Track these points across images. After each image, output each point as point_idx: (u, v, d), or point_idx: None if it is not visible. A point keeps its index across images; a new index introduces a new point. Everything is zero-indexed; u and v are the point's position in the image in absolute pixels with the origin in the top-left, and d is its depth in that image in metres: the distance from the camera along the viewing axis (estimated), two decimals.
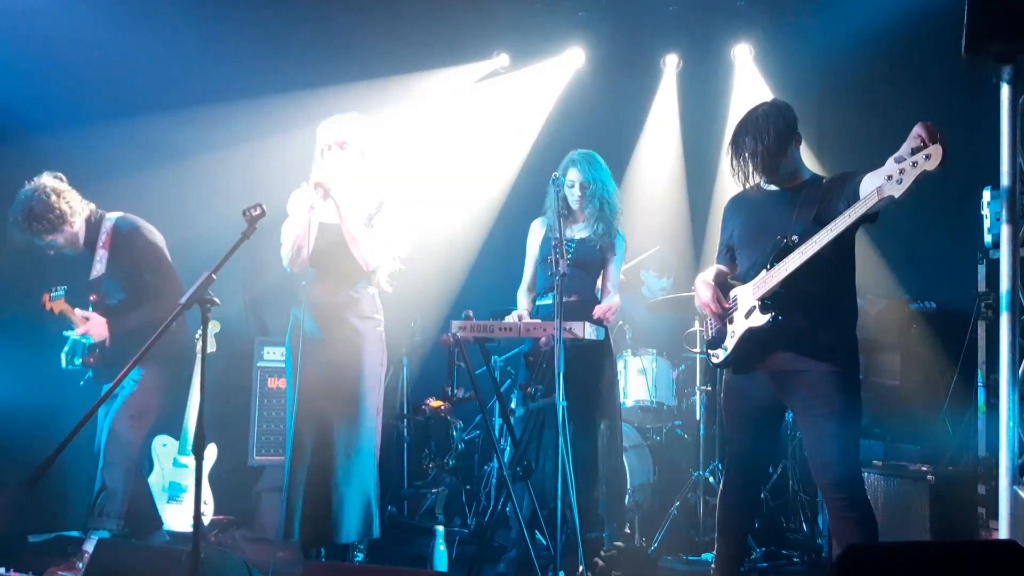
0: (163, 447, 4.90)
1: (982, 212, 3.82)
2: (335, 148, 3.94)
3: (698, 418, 5.45)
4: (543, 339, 4.14)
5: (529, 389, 4.15)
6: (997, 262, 3.44)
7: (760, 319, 3.43)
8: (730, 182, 3.68)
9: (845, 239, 3.30)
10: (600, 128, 6.44)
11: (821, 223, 3.29)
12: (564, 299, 3.86)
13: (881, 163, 3.12)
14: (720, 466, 5.23)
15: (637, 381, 5.54)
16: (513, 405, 4.95)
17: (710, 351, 3.73)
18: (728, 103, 6.34)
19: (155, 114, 5.62)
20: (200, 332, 3.23)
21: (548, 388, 4.01)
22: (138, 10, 5.47)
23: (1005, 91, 3.38)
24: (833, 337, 3.39)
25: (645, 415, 5.64)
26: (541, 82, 6.69)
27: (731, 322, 3.59)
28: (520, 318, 4.41)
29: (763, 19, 6.18)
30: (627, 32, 6.43)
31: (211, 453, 4.90)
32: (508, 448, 4.60)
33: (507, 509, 4.27)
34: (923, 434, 4.71)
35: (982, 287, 4.49)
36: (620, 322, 5.65)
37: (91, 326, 4.43)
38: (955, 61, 3.32)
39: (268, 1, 5.99)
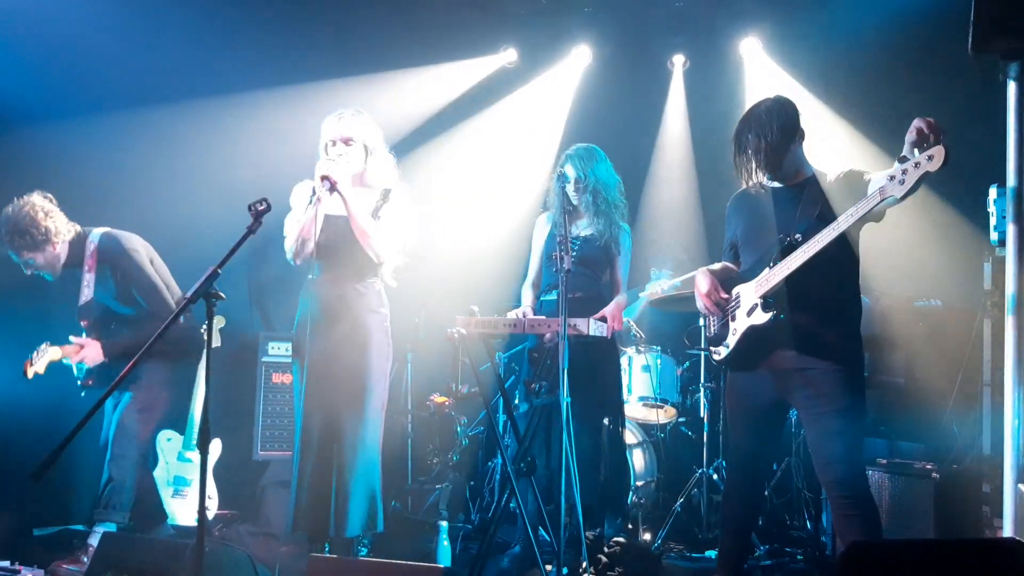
0: (168, 441, 4.91)
1: (988, 209, 3.81)
2: (340, 143, 3.94)
3: (702, 415, 5.46)
4: (547, 335, 4.14)
5: (533, 385, 4.15)
6: (1003, 260, 3.43)
7: (762, 317, 3.43)
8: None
9: (849, 237, 3.30)
10: (608, 124, 6.44)
11: (824, 221, 3.28)
12: (568, 295, 3.86)
13: (887, 155, 3.12)
14: (724, 463, 5.23)
15: (641, 378, 5.54)
16: (517, 401, 4.95)
17: (712, 348, 3.73)
18: (736, 98, 6.30)
19: (159, 107, 5.61)
20: (205, 326, 3.23)
21: (552, 384, 4.01)
22: (144, 3, 5.47)
23: (1012, 88, 3.35)
24: (836, 335, 3.38)
25: (649, 412, 5.64)
26: (548, 79, 6.68)
27: (733, 319, 3.59)
28: (524, 314, 4.41)
29: (771, 11, 6.15)
30: (633, 27, 6.41)
31: (215, 447, 4.91)
32: (512, 444, 4.61)
33: (511, 505, 4.27)
34: (928, 432, 4.70)
35: (988, 285, 4.48)
36: (626, 319, 5.65)
37: (86, 353, 4.45)
38: (963, 55, 3.30)
39: None
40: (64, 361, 4.48)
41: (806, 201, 3.43)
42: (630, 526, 5.05)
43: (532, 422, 4.18)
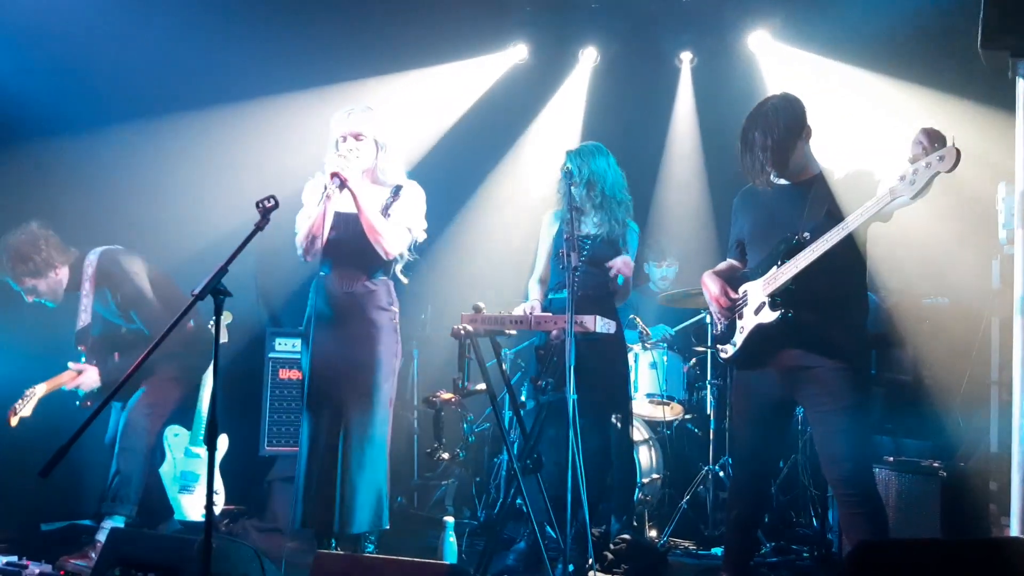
0: (175, 437, 4.94)
1: (996, 207, 3.80)
2: (350, 139, 3.94)
3: (708, 412, 5.45)
4: (554, 332, 4.14)
5: (540, 382, 4.15)
6: (1012, 257, 3.42)
7: (770, 315, 3.42)
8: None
9: (856, 236, 3.29)
10: (616, 122, 6.43)
11: (833, 219, 3.28)
12: (577, 293, 3.86)
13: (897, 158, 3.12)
14: (730, 460, 5.22)
15: (648, 375, 5.54)
16: (523, 398, 4.95)
17: (719, 346, 3.73)
18: (747, 93, 6.27)
19: (168, 107, 5.63)
20: (213, 322, 3.24)
21: (559, 381, 4.02)
22: (150, 6, 5.47)
23: (1021, 86, 3.35)
24: (843, 333, 3.38)
25: (655, 409, 5.63)
26: (555, 76, 6.67)
27: (741, 318, 3.58)
28: (531, 310, 4.40)
29: (780, 4, 6.12)
30: (641, 23, 6.39)
31: (222, 443, 4.93)
32: (518, 441, 4.61)
33: (517, 502, 4.28)
34: (935, 430, 4.69)
35: (996, 283, 4.46)
36: (632, 316, 5.64)
37: (82, 380, 4.50)
38: (973, 53, 3.29)
39: None
40: (62, 388, 4.51)
41: (814, 199, 3.42)
42: (636, 523, 5.05)
43: (538, 419, 4.18)
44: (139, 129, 5.56)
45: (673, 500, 5.31)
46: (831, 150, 3.90)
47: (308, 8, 5.94)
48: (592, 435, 4.34)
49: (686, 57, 6.58)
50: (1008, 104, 3.36)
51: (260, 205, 3.10)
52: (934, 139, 3.05)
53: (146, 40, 5.45)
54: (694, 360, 5.78)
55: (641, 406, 5.55)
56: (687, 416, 5.72)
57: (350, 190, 3.79)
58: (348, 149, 3.88)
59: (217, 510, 4.81)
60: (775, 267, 3.42)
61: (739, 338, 3.57)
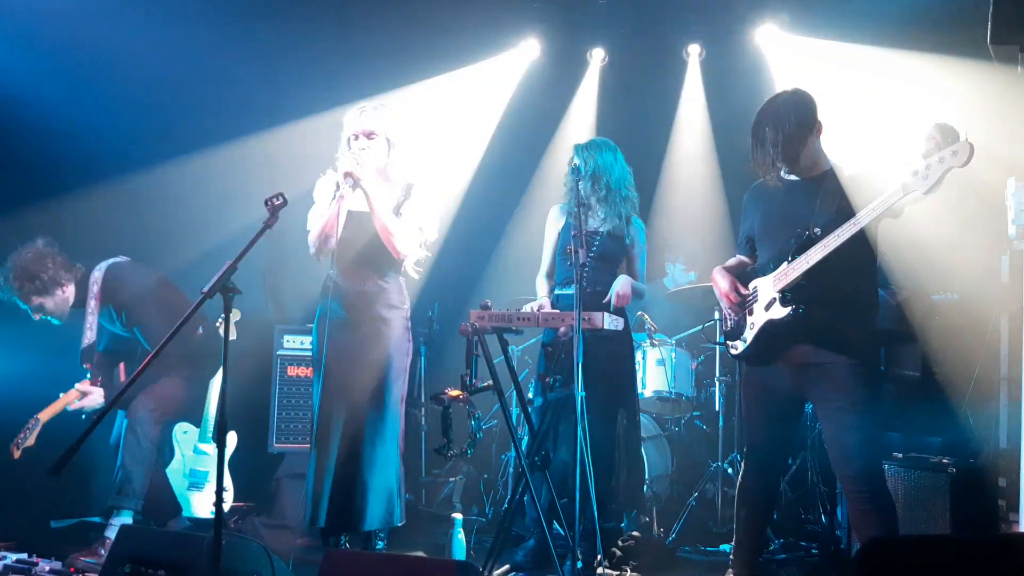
0: (184, 434, 4.95)
1: (1006, 202, 3.78)
2: (362, 138, 3.93)
3: (717, 409, 5.44)
4: (562, 329, 4.14)
5: (547, 379, 4.15)
6: (1021, 253, 3.41)
7: (781, 311, 3.41)
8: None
9: (867, 232, 3.28)
10: (625, 118, 6.42)
11: (843, 215, 3.27)
12: (586, 289, 3.85)
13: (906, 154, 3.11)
14: (739, 457, 5.22)
15: (656, 372, 5.53)
16: (531, 395, 4.95)
17: (729, 343, 3.72)
18: (756, 87, 6.23)
19: (178, 103, 5.64)
20: (221, 319, 3.25)
21: (567, 378, 4.01)
22: (162, 5, 5.49)
23: None
24: (854, 329, 3.37)
25: (664, 406, 5.63)
26: (565, 73, 6.66)
27: (751, 314, 3.58)
28: (539, 308, 4.40)
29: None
30: (648, 20, 6.37)
31: (231, 440, 4.93)
32: (526, 437, 4.61)
33: (525, 498, 4.28)
34: (944, 426, 4.67)
35: (1005, 278, 4.44)
36: (640, 312, 5.64)
37: (87, 401, 4.53)
38: (984, 48, 3.28)
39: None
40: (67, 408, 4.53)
41: (824, 195, 3.41)
42: (645, 520, 5.04)
43: (546, 416, 4.18)
44: (144, 132, 5.57)
45: (682, 497, 5.31)
46: (842, 144, 3.89)
47: (323, 21, 5.95)
48: (600, 431, 4.34)
49: (694, 50, 6.54)
50: (1018, 97, 3.36)
51: (269, 203, 3.10)
52: (947, 134, 3.05)
53: (150, 43, 5.45)
54: (703, 356, 5.77)
55: (649, 403, 5.55)
56: (695, 413, 5.71)
57: (363, 190, 3.78)
58: (360, 148, 3.87)
59: (226, 507, 4.82)
60: (786, 263, 3.41)
61: (749, 334, 3.57)
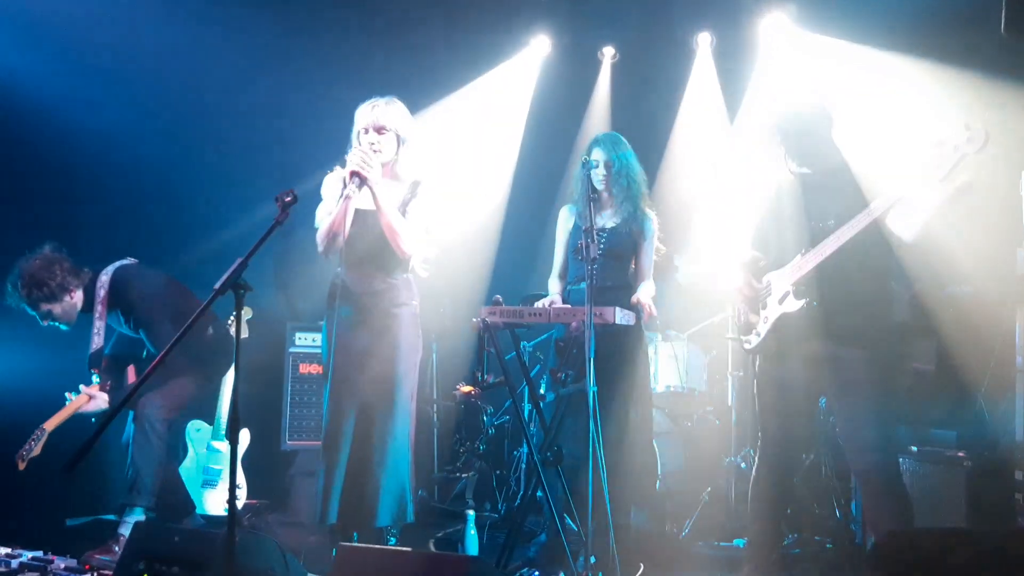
0: (197, 432, 4.97)
1: (1021, 193, 3.76)
2: (372, 132, 3.92)
3: (730, 403, 5.42)
4: (574, 324, 4.12)
5: (559, 375, 4.14)
6: None
7: (794, 304, 3.40)
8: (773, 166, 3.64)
9: (881, 224, 3.26)
10: (630, 113, 6.39)
11: (858, 207, 3.25)
12: (597, 285, 3.84)
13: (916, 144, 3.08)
14: (752, 452, 5.19)
15: (668, 366, 5.51)
16: (543, 390, 4.95)
17: (743, 337, 3.70)
18: (767, 76, 6.18)
19: (186, 102, 5.65)
20: (232, 318, 3.25)
21: (578, 373, 4.00)
22: (170, 3, 5.50)
23: None
24: (868, 322, 3.35)
25: (676, 400, 5.61)
26: (574, 70, 6.63)
27: (764, 307, 3.56)
28: (551, 303, 4.39)
29: None
30: (654, 7, 6.32)
31: (244, 438, 4.94)
32: (538, 433, 4.60)
33: (537, 494, 4.27)
34: (959, 420, 4.64)
35: (1021, 270, 4.41)
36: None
37: (93, 405, 4.53)
38: (999, 39, 3.25)
39: None
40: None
41: (837, 188, 3.40)
42: (658, 515, 5.03)
43: (558, 411, 4.17)
44: (151, 131, 5.58)
45: (695, 492, 5.29)
46: (854, 134, 3.86)
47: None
48: (612, 427, 4.33)
49: (703, 39, 6.46)
50: None
51: (279, 199, 3.10)
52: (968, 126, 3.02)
53: (159, 42, 5.47)
54: (715, 351, 5.74)
55: (662, 398, 5.53)
56: (708, 408, 5.69)
57: (370, 189, 3.78)
58: (370, 143, 3.87)
59: (240, 505, 4.83)
60: (799, 256, 3.39)
61: (763, 328, 3.55)
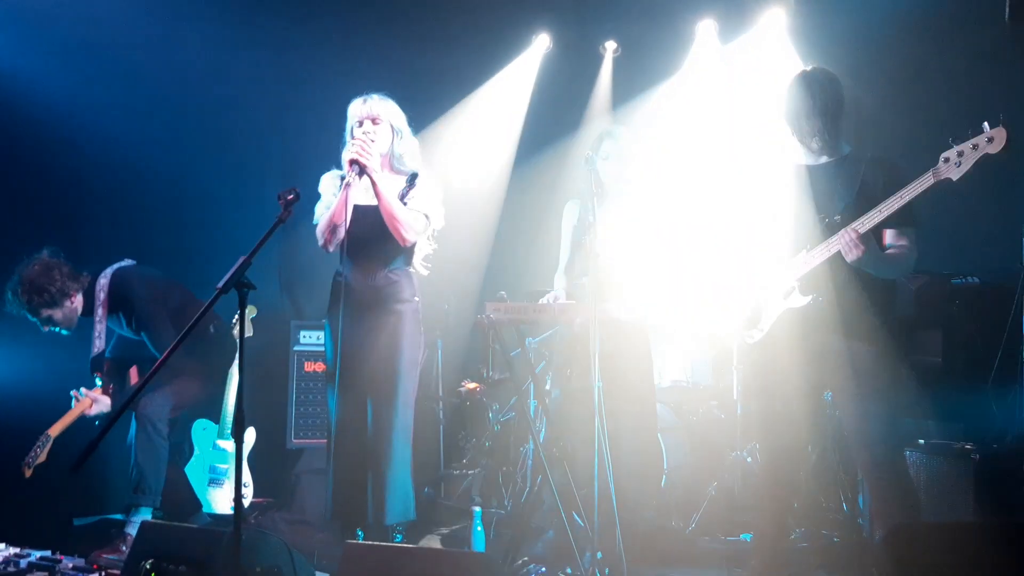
0: (203, 431, 4.97)
1: None
2: (367, 123, 3.94)
3: (735, 398, 5.40)
4: (579, 319, 4.11)
5: (566, 371, 4.14)
6: None
7: (800, 300, 3.38)
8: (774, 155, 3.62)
9: (888, 218, 3.24)
10: (635, 107, 6.37)
11: (864, 200, 3.22)
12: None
13: (923, 134, 3.06)
14: (758, 446, 5.18)
15: (673, 361, 5.50)
16: (548, 387, 4.94)
17: (746, 331, 3.68)
18: (772, 62, 6.11)
19: (184, 102, 5.65)
20: (236, 317, 3.25)
21: (583, 369, 3.99)
22: (169, 4, 5.49)
23: None
24: (873, 316, 3.33)
25: (681, 395, 5.59)
26: (576, 64, 6.61)
27: (768, 302, 3.54)
28: (555, 299, 4.38)
29: None
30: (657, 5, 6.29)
31: (250, 436, 4.96)
32: (544, 429, 4.60)
33: (544, 490, 4.27)
34: (967, 412, 4.62)
35: None
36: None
37: (95, 409, 4.52)
38: (1002, 26, 3.23)
39: None
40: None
41: (844, 180, 3.36)
42: (664, 510, 5.02)
43: (564, 407, 4.16)
44: (150, 131, 5.57)
45: (701, 486, 5.27)
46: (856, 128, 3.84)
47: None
48: (618, 421, 4.31)
49: (705, 26, 6.39)
50: None
51: (282, 197, 3.10)
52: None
53: (159, 43, 5.46)
54: (720, 344, 5.72)
55: (667, 392, 5.52)
56: (713, 401, 5.67)
57: (369, 176, 3.79)
58: (364, 132, 3.88)
59: (246, 503, 4.84)
60: (804, 251, 3.38)
61: (767, 323, 3.53)
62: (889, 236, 3.37)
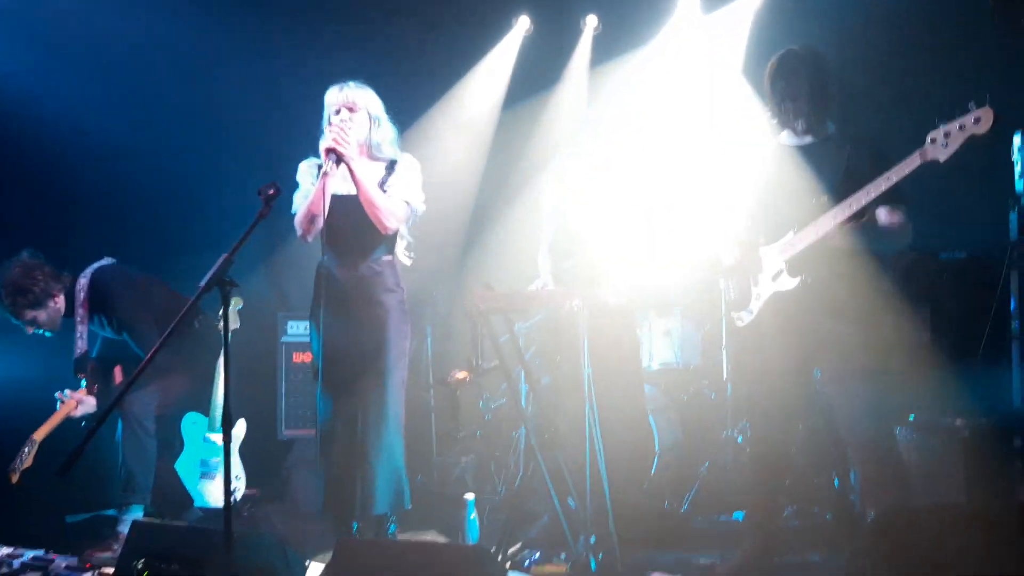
0: (192, 424, 4.95)
1: (1012, 157, 3.73)
2: (344, 111, 3.90)
3: (725, 378, 5.40)
4: (567, 305, 4.10)
5: (555, 357, 4.13)
6: None
7: (789, 282, 3.37)
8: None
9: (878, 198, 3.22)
10: (617, 85, 6.32)
11: (851, 180, 3.21)
12: None
13: (907, 113, 3.04)
14: (748, 425, 5.19)
15: (662, 342, 5.49)
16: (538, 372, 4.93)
17: (734, 314, 3.68)
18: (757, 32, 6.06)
19: (164, 98, 5.60)
20: (221, 312, 3.22)
21: (572, 354, 3.98)
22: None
23: None
24: (861, 296, 3.33)
25: (671, 376, 5.59)
26: (558, 46, 6.54)
27: (756, 284, 3.53)
28: (543, 286, 4.36)
29: None
30: None
31: (240, 428, 4.94)
32: (535, 414, 4.59)
33: (536, 476, 4.27)
34: (956, 388, 4.64)
35: (1014, 234, 4.39)
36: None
37: (80, 410, 4.51)
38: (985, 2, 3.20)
39: None
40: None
41: (830, 160, 3.35)
42: (656, 490, 5.03)
43: (554, 393, 4.16)
44: (130, 126, 5.51)
45: (693, 466, 5.28)
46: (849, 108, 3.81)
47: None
48: (607, 405, 4.31)
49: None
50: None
51: (262, 192, 3.06)
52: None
53: (142, 39, 5.40)
54: (709, 325, 5.72)
55: (656, 374, 5.52)
56: (703, 381, 5.68)
57: (347, 164, 3.75)
58: (342, 120, 3.84)
59: (238, 495, 4.83)
60: (792, 232, 3.36)
61: (755, 305, 3.53)
62: (882, 213, 3.36)
